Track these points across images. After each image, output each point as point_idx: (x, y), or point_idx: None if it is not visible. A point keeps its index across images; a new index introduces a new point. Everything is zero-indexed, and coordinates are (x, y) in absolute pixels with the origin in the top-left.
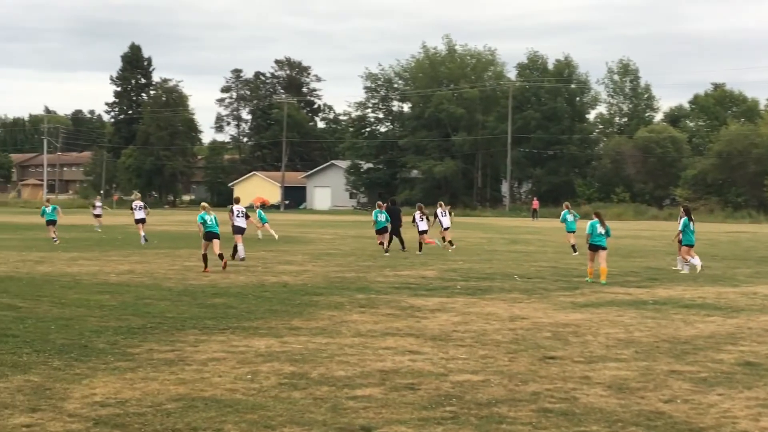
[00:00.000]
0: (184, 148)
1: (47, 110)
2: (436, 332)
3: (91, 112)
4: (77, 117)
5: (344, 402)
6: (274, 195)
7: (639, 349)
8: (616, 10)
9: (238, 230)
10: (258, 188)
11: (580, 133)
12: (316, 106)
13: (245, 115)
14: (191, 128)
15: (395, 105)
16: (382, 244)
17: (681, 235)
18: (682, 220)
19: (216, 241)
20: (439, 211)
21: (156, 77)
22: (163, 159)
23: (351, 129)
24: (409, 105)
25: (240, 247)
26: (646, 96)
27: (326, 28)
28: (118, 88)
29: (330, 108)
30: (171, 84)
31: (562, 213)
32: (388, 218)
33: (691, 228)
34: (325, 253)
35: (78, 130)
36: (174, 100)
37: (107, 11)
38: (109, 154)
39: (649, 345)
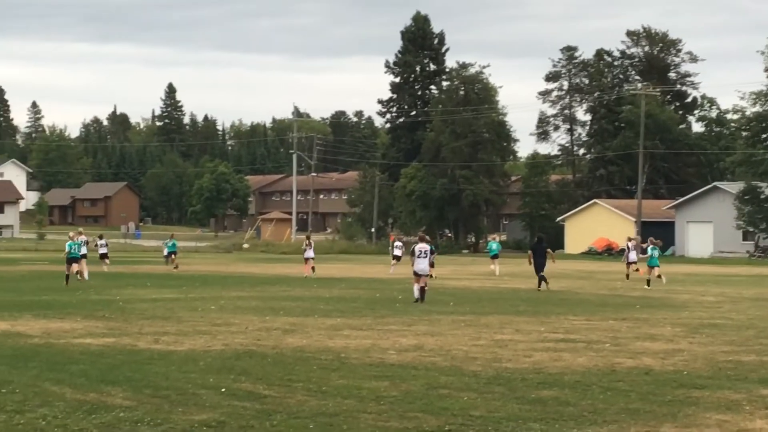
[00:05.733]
0: (492, 165)
1: (297, 112)
2: None
3: (358, 113)
4: (338, 122)
5: None
6: (626, 234)
7: None
8: None
9: (417, 272)
10: (599, 224)
11: None
12: (689, 99)
13: (582, 114)
14: (501, 136)
15: None
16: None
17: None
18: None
19: (75, 265)
20: (630, 244)
21: (451, 61)
22: (460, 181)
23: (745, 134)
24: None
25: (415, 287)
26: None
27: None
28: (397, 79)
29: (711, 103)
30: (472, 71)
31: (648, 247)
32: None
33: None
34: (707, 323)
35: (339, 140)
36: (476, 94)
37: None
38: (383, 175)
39: None
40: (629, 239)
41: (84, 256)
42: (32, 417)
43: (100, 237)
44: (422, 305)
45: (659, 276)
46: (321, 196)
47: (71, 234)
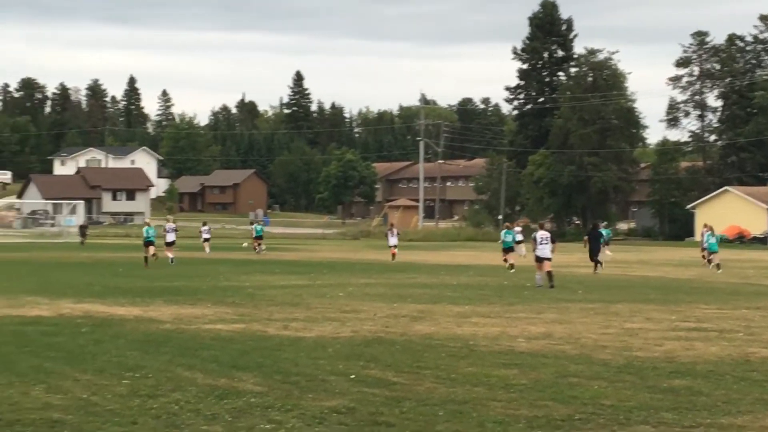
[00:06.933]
0: (620, 151)
1: (424, 100)
2: None
3: (485, 100)
4: (465, 108)
5: None
6: (758, 222)
7: None
8: None
9: (539, 258)
10: (732, 211)
11: None
12: None
13: (713, 101)
14: (630, 122)
15: None
16: (506, 261)
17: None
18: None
19: (152, 248)
20: (704, 231)
21: (579, 47)
22: (588, 168)
23: None
24: None
25: (538, 275)
26: None
27: None
28: (524, 65)
29: None
30: (600, 57)
31: (705, 234)
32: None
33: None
34: None
35: (466, 127)
36: (605, 80)
37: None
38: (511, 162)
39: None
40: (704, 226)
41: (173, 242)
42: (165, 401)
43: (204, 224)
44: (551, 292)
45: (716, 262)
46: (448, 184)
47: (147, 220)
